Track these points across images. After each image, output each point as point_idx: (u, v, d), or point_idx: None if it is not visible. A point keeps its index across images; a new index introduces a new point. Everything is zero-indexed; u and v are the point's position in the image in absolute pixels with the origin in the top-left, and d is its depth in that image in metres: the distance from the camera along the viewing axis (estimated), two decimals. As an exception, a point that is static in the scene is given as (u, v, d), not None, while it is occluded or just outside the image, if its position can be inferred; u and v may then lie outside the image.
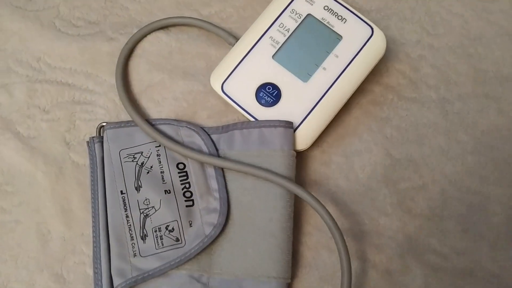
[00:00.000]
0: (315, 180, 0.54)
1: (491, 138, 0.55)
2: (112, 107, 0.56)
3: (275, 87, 0.52)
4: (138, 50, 0.58)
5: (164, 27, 0.58)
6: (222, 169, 0.51)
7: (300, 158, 0.55)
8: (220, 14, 0.59)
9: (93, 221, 0.51)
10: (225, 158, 0.51)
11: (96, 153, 0.52)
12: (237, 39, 0.56)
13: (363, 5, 0.60)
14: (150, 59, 0.58)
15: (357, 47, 0.53)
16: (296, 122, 0.52)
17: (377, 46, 0.53)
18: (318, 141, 0.55)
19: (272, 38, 0.53)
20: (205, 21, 0.57)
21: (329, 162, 0.55)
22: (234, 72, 0.53)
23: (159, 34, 0.59)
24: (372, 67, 0.53)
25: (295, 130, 0.52)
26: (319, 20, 0.54)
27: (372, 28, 0.53)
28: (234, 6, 0.60)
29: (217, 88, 0.53)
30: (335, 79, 0.52)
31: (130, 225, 0.50)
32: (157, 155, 0.52)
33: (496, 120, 0.56)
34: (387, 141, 0.55)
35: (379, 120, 0.56)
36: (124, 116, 0.56)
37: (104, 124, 0.54)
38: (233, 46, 0.56)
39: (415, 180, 0.54)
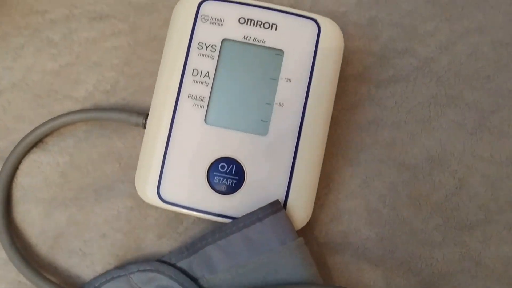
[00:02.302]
0: (333, 247, 0.39)
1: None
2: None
3: (229, 161, 0.36)
4: (17, 192, 0.39)
5: (36, 142, 0.39)
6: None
7: (303, 231, 0.39)
8: (99, 87, 0.41)
9: None
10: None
11: None
12: (143, 114, 0.38)
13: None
14: (40, 196, 0.39)
15: (308, 55, 0.36)
16: (280, 195, 0.35)
17: (332, 40, 0.37)
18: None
19: (191, 96, 0.36)
20: (88, 110, 0.39)
21: (339, 214, 0.39)
22: (165, 167, 0.36)
23: (34, 156, 0.40)
24: (339, 68, 0.37)
25: (285, 207, 0.35)
26: (242, 42, 0.36)
27: (315, 21, 0.37)
28: (115, 68, 0.41)
29: (152, 199, 0.36)
30: (301, 110, 0.36)
31: None
32: None
33: (492, 53, 0.42)
34: (391, 148, 0.40)
35: (368, 127, 0.41)
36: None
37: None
38: (144, 127, 0.38)
39: (449, 181, 0.40)
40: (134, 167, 0.40)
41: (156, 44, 0.42)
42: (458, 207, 0.40)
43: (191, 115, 0.36)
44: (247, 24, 0.37)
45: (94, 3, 0.43)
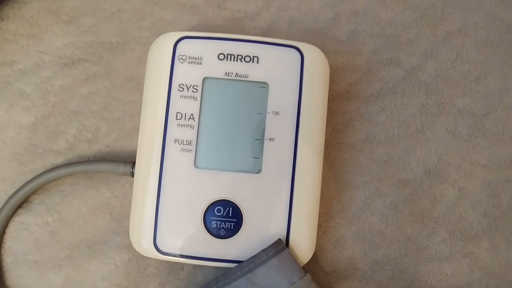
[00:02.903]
0: (340, 274, 0.38)
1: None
2: None
3: (225, 204, 0.34)
4: (7, 257, 0.38)
5: (21, 203, 0.37)
6: None
7: (308, 262, 0.37)
8: (80, 137, 0.39)
9: None
10: None
11: None
12: (130, 163, 0.36)
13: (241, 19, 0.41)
14: (31, 259, 0.38)
15: (294, 84, 0.35)
16: (281, 232, 0.34)
17: (316, 66, 0.36)
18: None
19: (178, 141, 0.34)
20: (73, 164, 0.38)
21: (342, 240, 0.38)
22: (159, 217, 0.34)
23: (20, 218, 0.38)
24: (327, 93, 0.36)
25: (287, 244, 0.34)
26: (224, 79, 0.35)
27: (297, 48, 0.35)
28: (94, 115, 0.39)
29: (149, 252, 0.34)
30: (293, 142, 0.35)
31: None
32: None
33: (477, 54, 0.41)
34: (388, 165, 0.39)
35: (362, 146, 0.40)
36: None
37: None
38: (132, 175, 0.36)
39: (449, 192, 0.39)
40: (126, 216, 0.38)
41: (133, 84, 0.41)
42: (461, 218, 0.39)
43: (180, 161, 0.35)
44: (227, 59, 0.35)
45: (63, 48, 0.41)
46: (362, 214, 0.39)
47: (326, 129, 0.39)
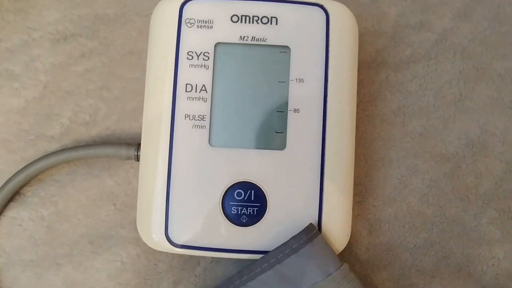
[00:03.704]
0: (378, 263, 0.34)
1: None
2: None
3: (246, 186, 0.30)
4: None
5: (12, 196, 0.33)
6: None
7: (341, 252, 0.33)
8: (76, 120, 0.35)
9: None
10: None
11: None
12: (134, 145, 0.32)
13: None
14: (27, 259, 0.34)
15: (319, 47, 0.31)
16: (312, 216, 0.30)
17: (344, 25, 0.31)
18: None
19: (189, 116, 0.30)
20: (69, 149, 0.33)
21: (378, 224, 0.35)
22: (170, 204, 0.30)
23: (12, 213, 0.34)
24: (357, 57, 0.31)
25: (320, 230, 0.29)
26: (239, 43, 0.30)
27: (321, 6, 0.31)
28: (91, 95, 0.35)
29: (161, 245, 0.30)
30: (321, 113, 0.30)
31: None
32: None
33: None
34: (424, 139, 0.35)
35: (394, 118, 0.36)
36: None
37: None
38: (137, 159, 0.32)
39: (496, 166, 0.36)
40: (132, 206, 0.34)
41: (134, 59, 0.36)
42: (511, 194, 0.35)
43: (192, 139, 0.30)
44: (241, 21, 0.31)
45: (55, 23, 0.37)
46: (399, 194, 0.34)
47: (353, 101, 0.35)
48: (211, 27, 0.31)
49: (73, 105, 0.36)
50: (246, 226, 0.30)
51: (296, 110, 0.31)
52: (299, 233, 0.29)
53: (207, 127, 0.30)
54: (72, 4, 0.37)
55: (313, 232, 0.29)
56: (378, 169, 0.35)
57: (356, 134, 0.35)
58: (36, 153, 0.35)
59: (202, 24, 0.31)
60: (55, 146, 0.35)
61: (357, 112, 0.35)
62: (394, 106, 0.36)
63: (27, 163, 0.33)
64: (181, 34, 0.31)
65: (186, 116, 0.30)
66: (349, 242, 0.32)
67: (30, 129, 0.35)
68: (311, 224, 0.29)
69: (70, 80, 0.36)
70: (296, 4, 0.31)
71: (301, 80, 0.31)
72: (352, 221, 0.32)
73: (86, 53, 0.36)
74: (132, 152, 0.32)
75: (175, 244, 0.30)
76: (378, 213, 0.34)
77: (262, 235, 0.30)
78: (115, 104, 0.36)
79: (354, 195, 0.34)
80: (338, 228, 0.30)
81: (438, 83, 0.36)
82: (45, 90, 0.36)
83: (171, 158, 0.30)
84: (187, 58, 0.31)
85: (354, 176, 0.34)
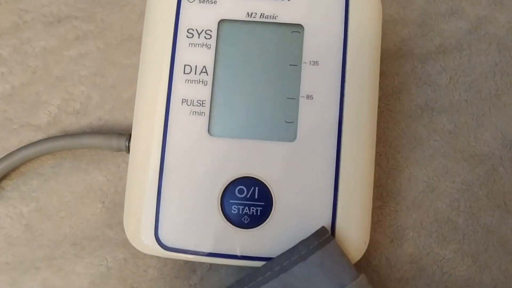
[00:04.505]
0: (401, 277, 0.30)
1: None
2: None
3: (249, 182, 0.26)
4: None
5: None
6: None
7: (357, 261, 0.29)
8: (66, 108, 0.31)
9: None
10: None
11: None
12: (125, 135, 0.28)
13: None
14: (1, 261, 0.30)
15: (337, 27, 0.27)
16: (325, 219, 0.25)
17: (366, 3, 0.27)
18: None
19: (186, 101, 0.26)
20: (53, 138, 0.30)
21: (401, 232, 0.30)
22: (162, 202, 0.26)
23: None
24: (379, 40, 0.27)
25: (333, 234, 0.25)
26: (246, 21, 0.27)
27: (340, -20, 0.27)
28: (84, 82, 0.32)
29: (150, 247, 0.26)
30: (338, 101, 0.26)
31: None
32: None
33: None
34: (455, 137, 0.31)
35: (420, 114, 0.32)
36: None
37: None
38: (128, 151, 0.28)
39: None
40: (123, 205, 0.30)
41: (132, 45, 0.33)
42: (555, 203, 0.30)
43: (189, 127, 0.26)
44: (249, -3, 0.27)
45: (48, 4, 0.34)
46: (425, 198, 0.30)
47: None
48: (215, 2, 0.28)
49: (63, 92, 0.32)
50: (248, 228, 0.26)
51: (309, 97, 0.27)
52: (309, 237, 0.25)
53: (207, 114, 0.27)
54: (68, -16, 0.34)
55: (325, 236, 0.25)
56: (402, 170, 0.31)
57: (377, 130, 0.31)
58: (19, 144, 0.31)
59: (205, -1, 0.27)
60: (40, 136, 0.31)
61: (379, 106, 0.32)
62: (421, 100, 0.32)
63: (7, 153, 0.30)
64: (180, 9, 0.28)
65: (184, 101, 0.27)
66: (367, 251, 0.28)
67: (14, 117, 0.32)
68: (323, 227, 0.25)
69: (61, 65, 0.33)
70: (311, -22, 0.27)
71: (315, 63, 0.27)
72: (371, 228, 0.28)
73: (80, 37, 0.33)
74: (123, 142, 0.29)
75: (166, 246, 0.26)
76: (401, 219, 0.30)
77: (267, 239, 0.26)
78: (109, 93, 0.32)
79: (374, 198, 0.30)
80: (354, 234, 0.26)
81: (471, 76, 0.32)
82: (34, 76, 0.33)
83: (165, 148, 0.27)
84: (187, 36, 0.27)
85: (375, 177, 0.30)
